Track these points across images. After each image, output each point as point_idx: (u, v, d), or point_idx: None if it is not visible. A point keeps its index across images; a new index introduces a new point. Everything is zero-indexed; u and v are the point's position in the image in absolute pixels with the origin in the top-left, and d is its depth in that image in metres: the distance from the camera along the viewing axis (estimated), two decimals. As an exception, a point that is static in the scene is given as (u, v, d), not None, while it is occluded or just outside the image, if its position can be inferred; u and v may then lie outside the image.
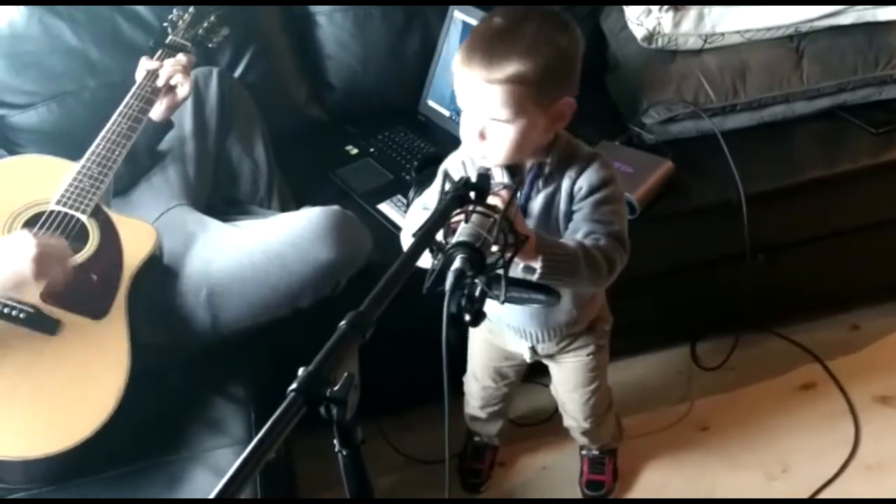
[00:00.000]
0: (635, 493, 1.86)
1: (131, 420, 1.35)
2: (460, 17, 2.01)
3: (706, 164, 1.88)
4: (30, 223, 1.48)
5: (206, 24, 1.84)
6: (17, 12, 1.84)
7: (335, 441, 0.82)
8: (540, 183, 1.24)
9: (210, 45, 1.87)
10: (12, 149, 1.86)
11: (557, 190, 1.25)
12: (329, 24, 2.08)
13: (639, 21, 1.99)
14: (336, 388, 0.75)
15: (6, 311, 1.37)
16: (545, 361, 1.57)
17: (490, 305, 0.97)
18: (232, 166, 1.85)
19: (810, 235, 2.00)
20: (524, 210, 1.25)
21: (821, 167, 1.91)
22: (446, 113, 2.07)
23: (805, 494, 1.81)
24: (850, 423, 1.96)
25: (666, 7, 1.95)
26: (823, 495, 1.81)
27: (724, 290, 2.02)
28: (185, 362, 1.53)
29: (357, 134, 2.09)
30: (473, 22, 1.98)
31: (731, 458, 1.90)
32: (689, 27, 1.96)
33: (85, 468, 1.34)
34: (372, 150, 2.03)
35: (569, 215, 1.25)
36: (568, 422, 1.72)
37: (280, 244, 1.53)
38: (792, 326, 2.16)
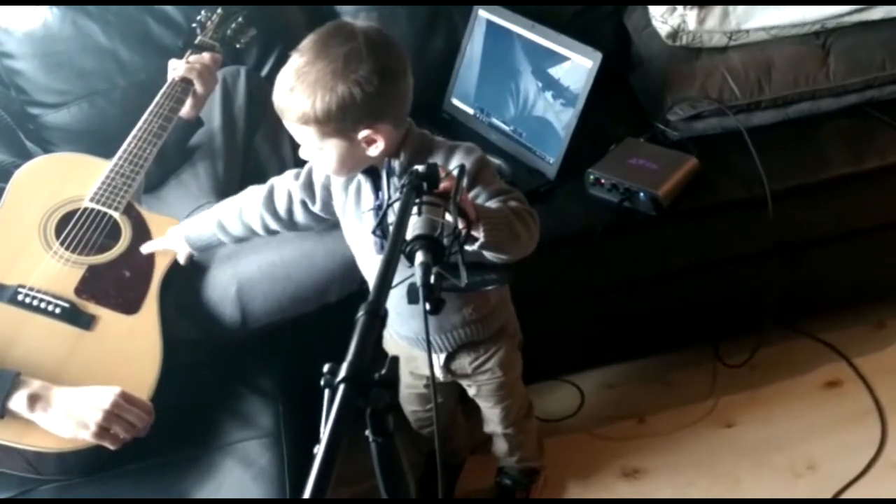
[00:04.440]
0: (659, 491, 1.86)
1: (163, 413, 1.37)
2: (485, 15, 2.02)
3: (731, 160, 1.88)
4: (64, 220, 1.51)
5: (233, 25, 1.87)
6: (51, 13, 1.87)
7: (367, 431, 0.83)
8: (396, 180, 1.26)
9: (238, 46, 1.90)
10: (47, 147, 1.90)
11: None
12: (354, 24, 2.09)
13: (663, 18, 1.99)
14: (384, 371, 0.77)
15: (43, 305, 1.40)
16: (462, 382, 1.56)
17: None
18: (260, 164, 1.87)
19: (836, 232, 1.99)
20: (383, 210, 1.26)
21: (847, 164, 1.90)
22: (471, 111, 2.08)
23: (831, 493, 1.80)
24: (877, 421, 1.94)
25: (691, 5, 1.94)
26: (849, 494, 1.80)
27: (748, 287, 2.01)
28: (215, 356, 1.55)
29: (382, 132, 2.09)
30: (498, 20, 1.99)
31: (757, 456, 1.90)
32: (714, 24, 1.95)
33: (117, 460, 1.36)
34: (397, 147, 2.04)
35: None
36: (490, 428, 1.70)
37: (307, 239, 1.55)
38: (817, 324, 2.14)
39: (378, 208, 1.28)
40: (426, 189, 1.02)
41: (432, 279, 0.92)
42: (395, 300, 1.28)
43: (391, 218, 1.09)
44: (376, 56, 1.15)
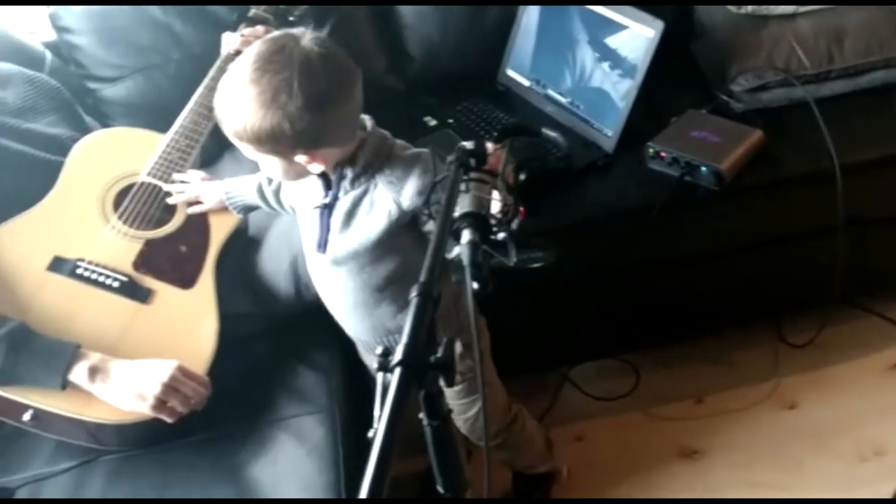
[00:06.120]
0: (718, 472, 1.82)
1: (219, 386, 1.38)
2: (542, -17, 1.97)
3: (798, 133, 1.80)
4: (122, 194, 1.52)
5: (287, -3, 1.85)
6: (109, -14, 1.88)
7: (421, 414, 0.81)
8: (346, 185, 1.23)
9: (291, 18, 1.88)
10: (104, 121, 1.92)
11: (366, 193, 1.23)
12: (408, -6, 2.07)
13: (728, -16, 1.91)
14: (439, 354, 0.75)
15: (101, 279, 1.42)
16: None
17: None
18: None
19: (907, 208, 1.90)
20: (330, 208, 1.25)
21: (922, 137, 1.81)
22: (526, 83, 2.04)
23: (898, 478, 1.74)
24: (948, 405, 1.87)
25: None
26: (918, 479, 1.74)
27: (814, 264, 1.94)
28: (270, 330, 1.56)
29: (435, 105, 2.07)
30: (554, -11, 1.94)
31: (820, 438, 1.84)
32: (783, -10, 1.87)
33: (174, 433, 1.38)
34: (450, 120, 2.01)
35: (396, 225, 1.22)
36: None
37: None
38: (885, 303, 2.06)
39: (325, 207, 1.25)
40: (474, 165, 0.99)
41: (480, 257, 0.88)
42: (333, 300, 1.30)
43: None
44: (310, 88, 1.10)
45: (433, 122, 2.03)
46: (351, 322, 1.40)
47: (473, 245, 0.88)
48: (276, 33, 1.18)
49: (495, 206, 0.96)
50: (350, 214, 1.24)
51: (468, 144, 1.00)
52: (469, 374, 1.41)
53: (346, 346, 1.60)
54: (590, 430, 1.92)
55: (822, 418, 1.88)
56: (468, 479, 0.89)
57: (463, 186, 0.96)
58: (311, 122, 1.10)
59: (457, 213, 0.92)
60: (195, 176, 1.55)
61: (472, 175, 0.97)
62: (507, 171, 1.02)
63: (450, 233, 0.91)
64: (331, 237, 1.27)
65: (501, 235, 0.95)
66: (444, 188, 0.97)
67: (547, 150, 1.77)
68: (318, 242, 1.29)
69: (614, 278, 1.82)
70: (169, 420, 1.33)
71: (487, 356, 1.47)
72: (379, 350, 0.77)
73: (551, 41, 1.97)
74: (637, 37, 1.77)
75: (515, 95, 2.06)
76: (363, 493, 0.64)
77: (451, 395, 1.45)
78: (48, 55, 1.95)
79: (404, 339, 0.74)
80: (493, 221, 0.94)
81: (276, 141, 1.12)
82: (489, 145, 1.02)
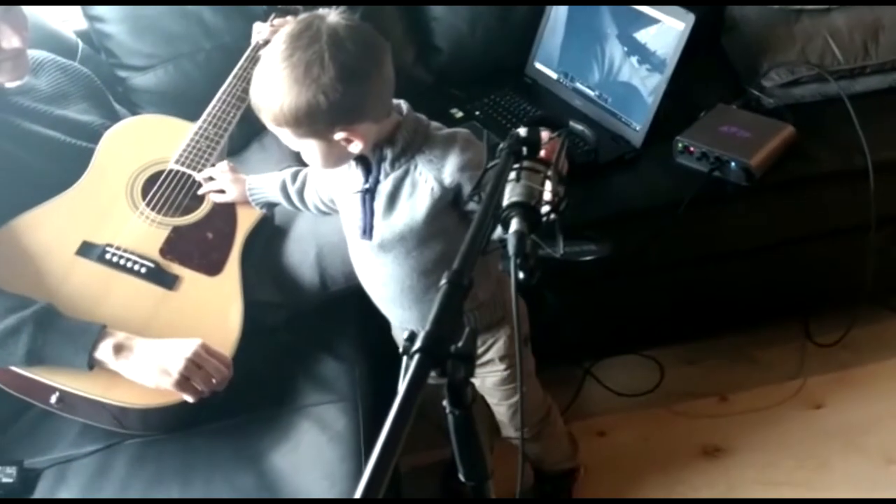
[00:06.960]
0: (741, 471, 1.80)
1: (242, 374, 1.39)
2: (571, -24, 1.96)
3: (831, 129, 1.78)
4: (150, 181, 1.54)
5: (316, -13, 1.85)
6: (139, -23, 1.90)
7: (445, 402, 0.81)
8: (387, 166, 1.23)
9: (321, 9, 1.88)
10: (134, 109, 1.94)
11: (406, 174, 1.22)
12: (437, -15, 2.06)
13: (761, -23, 1.89)
14: (460, 344, 0.74)
15: (129, 265, 1.43)
16: None
17: None
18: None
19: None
20: (373, 191, 1.24)
21: (958, 134, 1.78)
22: (553, 75, 2.03)
23: (927, 480, 1.72)
24: (978, 407, 1.84)
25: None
26: (947, 482, 1.71)
27: (843, 263, 1.92)
28: (294, 319, 1.57)
29: (462, 97, 2.07)
30: (583, -18, 1.93)
31: (846, 439, 1.82)
32: (817, -17, 1.85)
33: (197, 419, 1.39)
34: (477, 113, 2.01)
35: (439, 205, 1.22)
36: (506, 432, 1.59)
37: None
38: (916, 304, 2.04)
39: (366, 192, 1.25)
40: (526, 154, 0.96)
41: (528, 247, 0.86)
42: (380, 288, 1.28)
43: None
44: (340, 60, 1.10)
45: (460, 114, 2.02)
46: (398, 311, 1.39)
47: (520, 235, 0.87)
48: (302, 15, 1.17)
49: (545, 196, 0.94)
50: (393, 197, 1.24)
51: (522, 131, 0.97)
52: (515, 359, 1.42)
53: (370, 336, 1.60)
54: (612, 425, 1.91)
55: (849, 419, 1.86)
56: (490, 470, 0.88)
57: (514, 175, 0.93)
58: (345, 92, 1.10)
59: (506, 202, 0.90)
60: (220, 168, 1.56)
61: (525, 164, 0.95)
62: (562, 161, 1.00)
63: (494, 221, 0.89)
64: (375, 222, 1.27)
65: (552, 217, 0.93)
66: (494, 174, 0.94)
67: (574, 143, 1.76)
68: (362, 229, 1.28)
69: (640, 273, 1.81)
70: (191, 399, 1.34)
71: (527, 344, 1.47)
72: (406, 334, 0.76)
73: (580, 34, 1.96)
74: (667, 31, 1.76)
75: (543, 88, 2.05)
76: (366, 474, 0.64)
77: (496, 382, 1.46)
78: (80, 44, 1.97)
79: (427, 325, 0.74)
80: (542, 210, 0.92)
81: (313, 119, 1.12)
82: (544, 134, 0.99)
